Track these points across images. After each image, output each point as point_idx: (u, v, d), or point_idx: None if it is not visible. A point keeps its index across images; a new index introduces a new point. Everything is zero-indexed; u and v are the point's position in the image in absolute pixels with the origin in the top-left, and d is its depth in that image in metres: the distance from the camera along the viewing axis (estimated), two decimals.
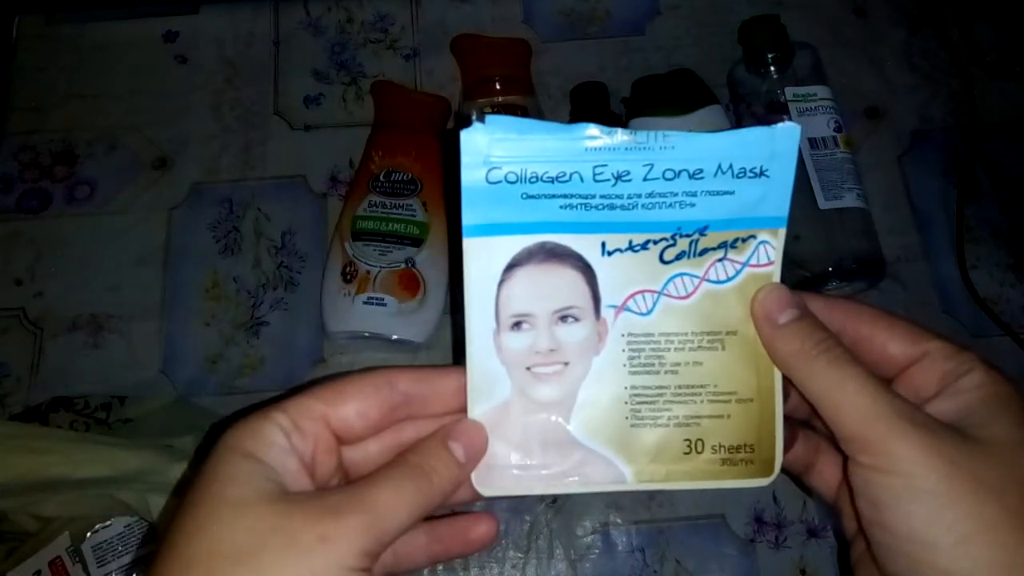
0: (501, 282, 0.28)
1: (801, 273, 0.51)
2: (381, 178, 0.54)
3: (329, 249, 0.54)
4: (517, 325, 0.28)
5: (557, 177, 0.27)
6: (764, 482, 0.29)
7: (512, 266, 0.28)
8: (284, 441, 0.25)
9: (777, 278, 0.29)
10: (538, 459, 0.28)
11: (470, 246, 0.27)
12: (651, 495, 0.50)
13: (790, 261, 0.52)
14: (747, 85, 0.57)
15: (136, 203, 0.58)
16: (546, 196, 0.27)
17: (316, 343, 0.54)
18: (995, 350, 0.53)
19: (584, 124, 0.27)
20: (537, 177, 0.27)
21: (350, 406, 0.26)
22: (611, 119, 0.57)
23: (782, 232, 0.29)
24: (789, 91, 0.54)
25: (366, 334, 0.50)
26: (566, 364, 0.29)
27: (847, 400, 0.25)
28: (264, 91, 0.61)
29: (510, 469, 0.28)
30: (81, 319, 0.54)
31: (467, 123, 0.26)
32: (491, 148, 0.26)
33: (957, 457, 0.24)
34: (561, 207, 0.27)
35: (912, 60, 0.62)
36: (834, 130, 0.53)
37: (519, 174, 0.27)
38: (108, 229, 0.57)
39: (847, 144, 0.53)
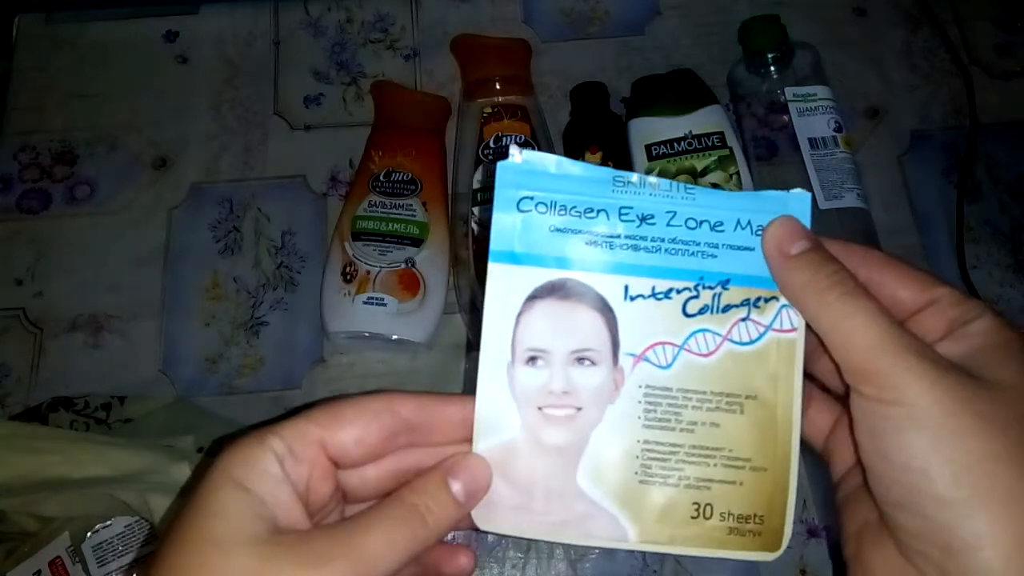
0: (520, 313, 0.28)
1: None
2: (381, 178, 0.54)
3: (329, 249, 0.54)
4: (532, 360, 0.28)
5: (585, 212, 0.28)
6: (770, 557, 0.28)
7: (533, 297, 0.28)
8: (277, 470, 0.24)
9: (801, 344, 0.28)
10: (540, 505, 0.28)
11: (494, 271, 0.28)
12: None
13: None
14: (747, 85, 0.57)
15: (136, 203, 0.58)
16: (573, 231, 0.28)
17: (316, 343, 0.54)
18: None
19: (610, 169, 0.29)
20: (566, 210, 0.28)
21: (348, 432, 0.26)
22: (611, 119, 0.57)
23: None
24: (789, 91, 0.54)
25: (366, 334, 0.50)
26: (579, 409, 0.28)
27: (856, 331, 0.25)
28: (264, 91, 0.61)
29: (511, 511, 0.28)
30: (81, 319, 0.54)
31: (505, 154, 0.28)
32: (524, 178, 0.28)
33: (962, 392, 0.24)
34: (587, 243, 0.28)
35: (912, 60, 0.62)
36: (834, 130, 0.53)
37: (548, 206, 0.28)
38: (108, 229, 0.57)
39: (847, 144, 0.53)
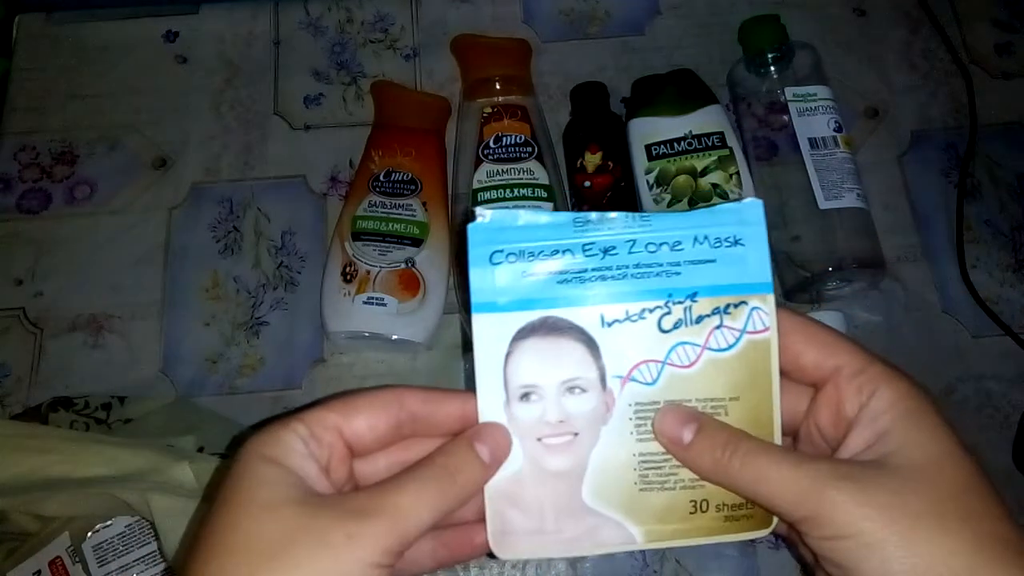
0: (508, 354, 0.30)
1: (801, 273, 0.51)
2: (381, 178, 0.54)
3: (329, 249, 0.54)
4: (526, 396, 0.30)
5: (552, 254, 0.30)
6: (763, 533, 0.30)
7: (518, 339, 0.30)
8: (303, 448, 0.27)
9: (775, 343, 0.30)
10: (552, 526, 0.30)
11: (478, 321, 0.30)
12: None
13: (790, 261, 0.52)
14: (747, 85, 0.57)
15: (136, 203, 0.58)
16: (544, 274, 0.30)
17: (316, 343, 0.54)
18: (995, 350, 0.53)
19: (568, 212, 0.31)
20: (534, 256, 0.30)
21: (362, 419, 0.28)
22: (611, 119, 0.57)
23: (771, 298, 0.30)
24: (789, 91, 0.54)
25: (366, 334, 0.50)
26: (575, 435, 0.30)
27: (773, 491, 0.27)
28: (264, 91, 0.61)
29: (526, 536, 0.30)
30: (81, 319, 0.54)
31: (472, 217, 0.31)
32: (492, 235, 0.30)
33: (886, 499, 0.25)
34: (559, 283, 0.30)
35: (912, 60, 0.62)
36: (834, 130, 0.53)
37: (518, 255, 0.30)
38: (108, 229, 0.57)
39: (847, 144, 0.53)
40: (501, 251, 0.30)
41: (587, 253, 0.30)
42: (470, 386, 0.30)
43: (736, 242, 0.30)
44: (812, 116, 0.53)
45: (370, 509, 0.25)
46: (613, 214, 0.30)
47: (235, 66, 0.62)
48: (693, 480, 0.30)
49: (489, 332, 0.30)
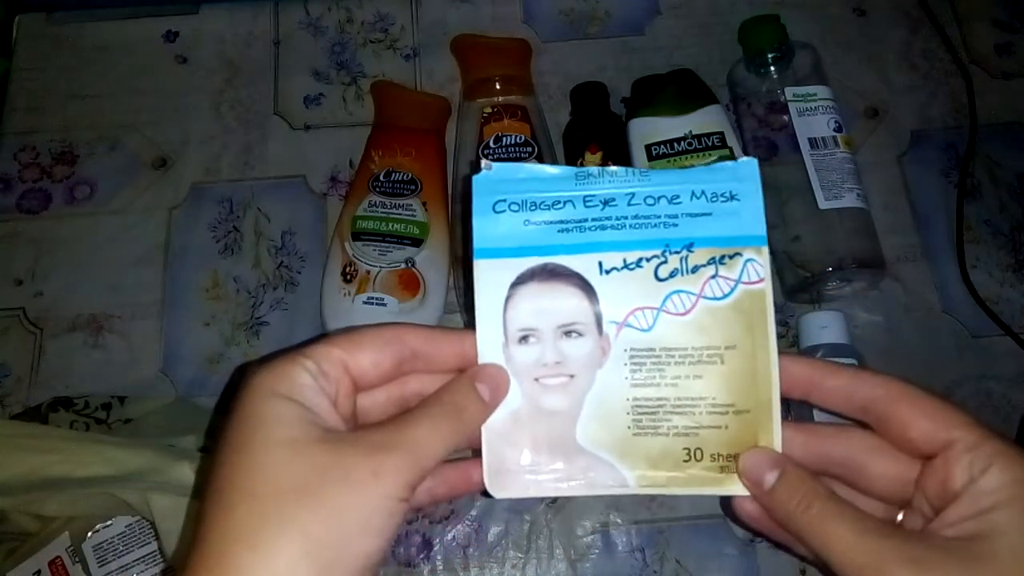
0: (508, 298, 0.31)
1: (801, 273, 0.51)
2: (381, 178, 0.54)
3: (329, 249, 0.54)
4: (524, 339, 0.31)
5: (553, 205, 0.31)
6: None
7: (517, 284, 0.31)
8: (313, 383, 0.27)
9: (769, 293, 0.30)
10: (546, 463, 0.30)
11: (480, 267, 0.31)
12: (652, 495, 0.50)
13: (790, 261, 0.52)
14: (747, 85, 0.57)
15: (136, 203, 0.58)
16: (545, 222, 0.31)
17: None
18: (995, 350, 0.53)
19: (572, 167, 0.32)
20: (536, 206, 0.31)
21: (366, 355, 0.28)
22: (611, 119, 0.57)
23: (765, 250, 0.31)
24: (789, 91, 0.54)
25: None
26: (572, 376, 0.31)
27: (836, 556, 0.26)
28: (264, 91, 0.61)
29: (521, 473, 0.30)
30: (81, 319, 0.54)
31: (478, 169, 0.32)
32: (496, 185, 0.31)
33: None
34: (559, 231, 0.31)
35: (912, 60, 0.62)
36: (834, 130, 0.53)
37: (521, 204, 0.31)
38: (108, 229, 0.57)
39: (847, 144, 0.53)
40: (504, 200, 0.31)
41: (588, 204, 0.31)
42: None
43: (732, 197, 0.31)
44: (812, 116, 0.53)
45: (391, 445, 0.26)
46: (614, 168, 0.31)
47: (235, 66, 0.62)
48: (687, 427, 0.30)
49: (490, 276, 0.31)
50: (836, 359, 0.49)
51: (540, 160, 0.54)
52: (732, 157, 0.53)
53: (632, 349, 0.30)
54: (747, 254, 0.30)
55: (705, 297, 0.30)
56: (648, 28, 0.63)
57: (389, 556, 0.48)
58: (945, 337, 0.54)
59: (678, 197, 0.31)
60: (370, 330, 0.29)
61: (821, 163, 0.52)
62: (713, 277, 0.30)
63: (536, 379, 0.31)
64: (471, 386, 0.29)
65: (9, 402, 0.52)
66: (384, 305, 0.50)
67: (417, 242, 0.52)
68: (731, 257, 0.30)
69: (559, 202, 0.31)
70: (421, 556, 0.48)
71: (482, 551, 0.49)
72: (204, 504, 0.25)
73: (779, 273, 0.54)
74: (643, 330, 0.30)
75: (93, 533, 0.44)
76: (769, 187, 0.54)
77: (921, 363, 0.53)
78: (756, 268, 0.30)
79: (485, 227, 0.31)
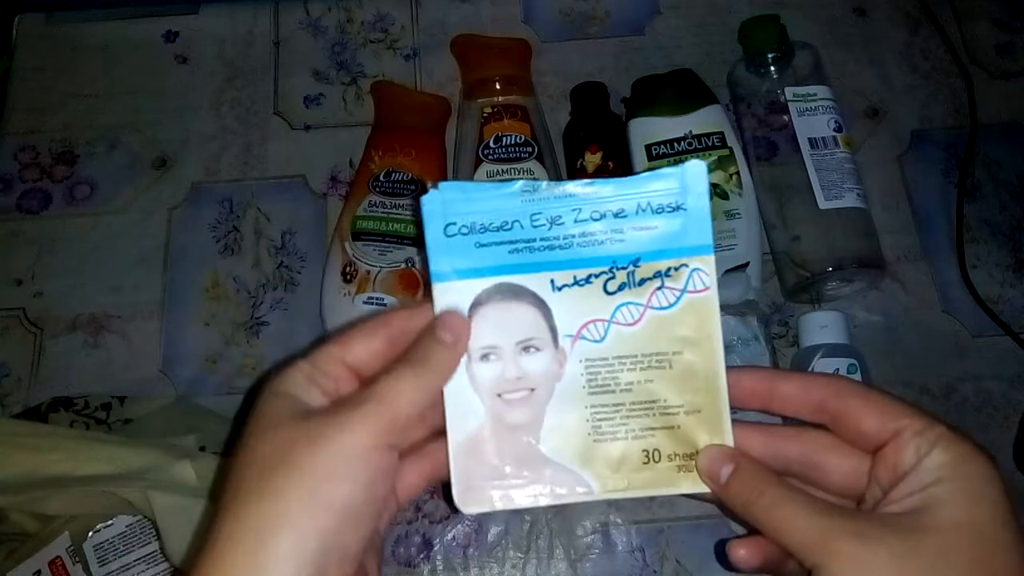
0: (467, 318, 0.32)
1: (801, 273, 0.51)
2: (381, 178, 0.54)
3: (329, 249, 0.54)
4: (485, 356, 0.32)
5: (501, 226, 0.32)
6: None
7: (476, 305, 0.32)
8: (304, 378, 0.30)
9: (715, 302, 0.32)
10: (513, 476, 0.32)
11: (438, 290, 0.32)
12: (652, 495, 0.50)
13: (790, 261, 0.52)
14: (747, 85, 0.57)
15: (136, 203, 0.58)
16: (495, 243, 0.32)
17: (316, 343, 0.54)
18: (995, 350, 0.53)
19: (516, 181, 0.33)
20: (484, 228, 0.32)
21: (359, 346, 0.31)
22: (611, 119, 0.57)
23: (710, 259, 0.32)
24: (789, 91, 0.54)
25: None
26: (532, 390, 0.32)
27: (788, 537, 0.27)
28: (264, 91, 0.61)
29: (488, 488, 0.32)
30: (81, 319, 0.54)
31: (425, 190, 0.33)
32: (445, 208, 0.32)
33: (898, 554, 0.26)
34: (509, 252, 0.32)
35: (912, 60, 0.62)
36: (834, 130, 0.53)
37: (470, 227, 0.32)
38: (108, 229, 0.57)
39: (847, 144, 0.53)
40: (454, 224, 0.32)
41: (535, 224, 0.32)
42: None
43: (677, 207, 0.32)
44: (812, 116, 0.53)
45: (357, 402, 0.28)
46: (555, 186, 0.32)
47: (235, 66, 0.62)
48: (643, 429, 0.31)
49: (447, 300, 0.32)
50: (836, 359, 0.49)
51: (540, 160, 0.54)
52: (732, 157, 0.53)
53: (587, 359, 0.32)
54: (693, 264, 0.32)
55: (652, 307, 0.32)
56: (648, 28, 0.63)
57: (389, 556, 0.48)
58: (945, 337, 0.54)
59: (623, 211, 0.32)
60: (361, 323, 0.32)
61: (821, 163, 0.52)
62: (660, 288, 0.32)
63: (499, 395, 0.32)
64: (432, 335, 0.31)
65: (9, 402, 0.52)
66: (384, 305, 0.50)
67: (417, 242, 0.52)
68: (676, 269, 0.32)
69: (507, 223, 0.32)
70: (421, 556, 0.48)
71: (482, 551, 0.49)
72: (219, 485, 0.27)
73: (779, 273, 0.54)
74: (596, 341, 0.32)
75: (94, 533, 0.44)
76: (769, 187, 0.54)
77: (921, 363, 0.53)
78: (702, 277, 0.32)
79: (439, 251, 0.32)
